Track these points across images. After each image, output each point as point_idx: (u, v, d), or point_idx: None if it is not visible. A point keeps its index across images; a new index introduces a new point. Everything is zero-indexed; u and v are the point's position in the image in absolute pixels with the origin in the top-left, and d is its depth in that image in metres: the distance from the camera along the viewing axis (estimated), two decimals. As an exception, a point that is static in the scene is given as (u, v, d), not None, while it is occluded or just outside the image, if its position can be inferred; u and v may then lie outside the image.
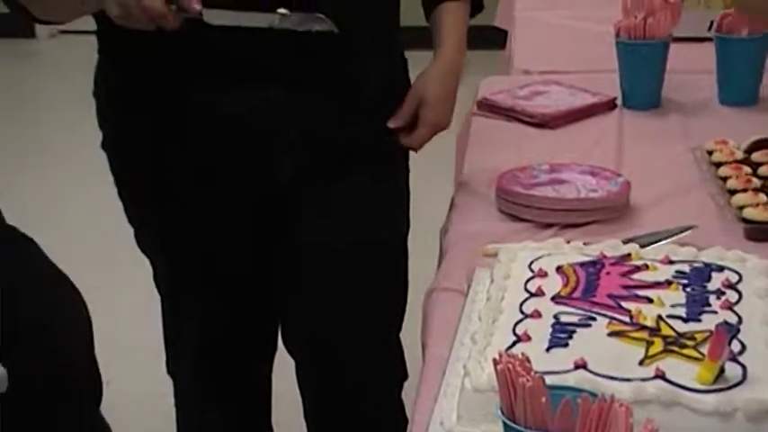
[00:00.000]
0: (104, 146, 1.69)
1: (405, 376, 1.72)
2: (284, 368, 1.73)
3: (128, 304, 2.73)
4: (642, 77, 1.83)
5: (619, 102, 1.84)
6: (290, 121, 1.55)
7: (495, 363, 0.83)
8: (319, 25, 1.43)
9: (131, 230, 1.65)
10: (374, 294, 1.61)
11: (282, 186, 1.56)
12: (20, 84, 4.96)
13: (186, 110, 1.56)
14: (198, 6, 1.38)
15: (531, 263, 1.18)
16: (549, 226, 1.41)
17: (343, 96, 1.55)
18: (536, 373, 0.81)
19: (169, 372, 1.78)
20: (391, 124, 1.55)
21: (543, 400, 0.79)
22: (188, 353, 1.74)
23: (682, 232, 1.36)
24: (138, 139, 1.64)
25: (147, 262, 1.64)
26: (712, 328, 0.99)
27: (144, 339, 2.19)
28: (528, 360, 0.82)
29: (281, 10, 1.41)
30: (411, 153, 1.64)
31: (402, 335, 1.68)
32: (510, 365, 0.81)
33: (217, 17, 1.41)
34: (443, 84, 1.59)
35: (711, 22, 1.85)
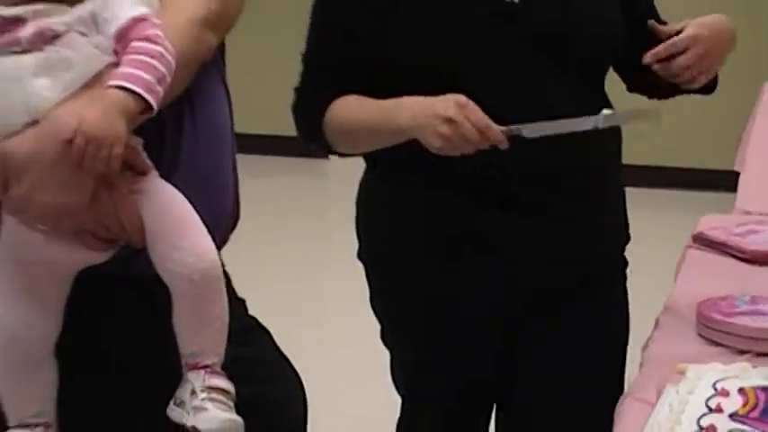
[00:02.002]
0: (360, 256, 1.87)
1: None
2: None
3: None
4: None
5: None
6: (537, 247, 1.69)
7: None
8: (647, 119, 1.51)
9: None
10: (595, 401, 1.65)
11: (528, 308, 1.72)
12: (312, 198, 5.51)
13: (453, 232, 1.69)
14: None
15: (716, 382, 1.26)
16: (743, 353, 1.49)
17: (587, 223, 1.70)
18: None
19: None
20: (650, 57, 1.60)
21: None
22: None
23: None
24: (400, 253, 1.79)
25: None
26: None
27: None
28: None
29: (606, 111, 1.52)
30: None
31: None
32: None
33: (537, 130, 1.50)
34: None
35: None
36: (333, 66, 1.72)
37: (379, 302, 1.87)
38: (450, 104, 1.50)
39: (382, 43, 1.64)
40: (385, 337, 1.88)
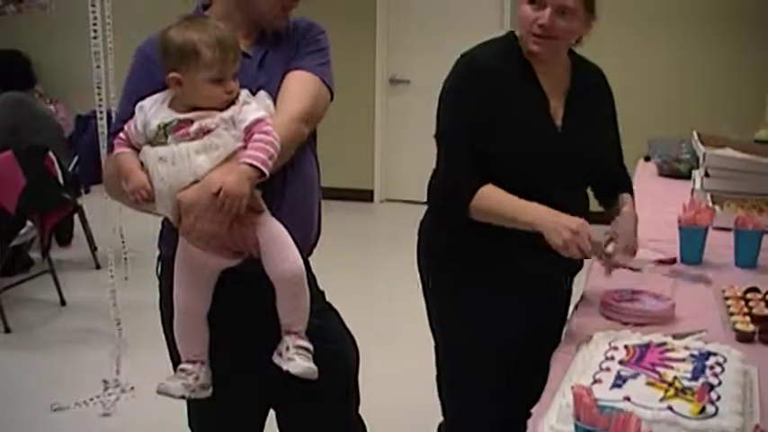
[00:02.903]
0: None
1: None
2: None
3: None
4: (693, 247, 2.59)
5: (678, 259, 2.60)
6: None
7: (574, 390, 1.39)
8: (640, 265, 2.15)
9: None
10: None
11: None
12: (361, 233, 6.92)
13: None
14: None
15: (611, 341, 1.82)
16: (626, 324, 2.05)
17: None
18: (595, 399, 1.34)
19: None
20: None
21: (594, 410, 1.34)
22: None
23: (699, 332, 1.98)
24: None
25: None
26: (700, 384, 1.54)
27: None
28: (590, 390, 1.39)
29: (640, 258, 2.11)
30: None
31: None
32: (580, 392, 1.39)
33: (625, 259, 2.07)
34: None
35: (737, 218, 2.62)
36: (473, 154, 2.13)
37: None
38: (577, 221, 2.01)
39: (495, 139, 2.12)
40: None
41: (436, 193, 2.25)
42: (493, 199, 2.13)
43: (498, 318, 2.25)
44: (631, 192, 2.37)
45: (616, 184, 2.38)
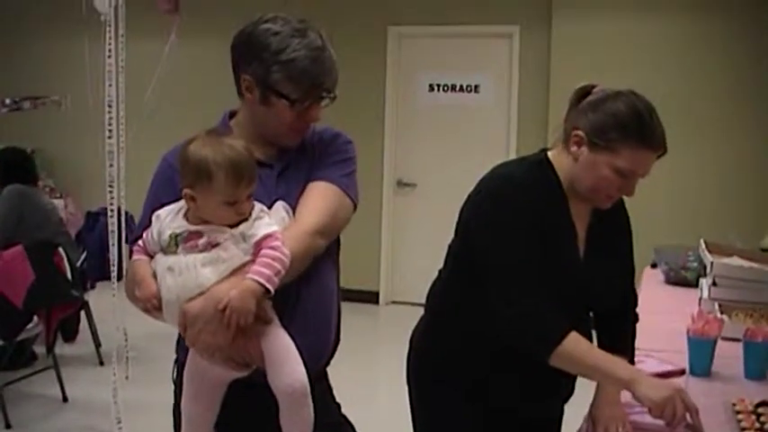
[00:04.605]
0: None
1: None
2: None
3: None
4: (702, 358, 2.58)
5: (687, 370, 2.59)
6: None
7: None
8: None
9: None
10: None
11: None
12: (365, 334, 6.94)
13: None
14: None
15: None
16: None
17: None
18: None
19: None
20: None
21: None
22: None
23: None
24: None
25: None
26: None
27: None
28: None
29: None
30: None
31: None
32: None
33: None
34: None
35: (747, 329, 2.62)
36: (539, 278, 2.04)
37: None
38: (678, 384, 2.02)
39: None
40: None
41: (515, 334, 2.06)
42: (583, 345, 2.03)
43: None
44: (633, 322, 2.40)
45: (620, 321, 2.36)
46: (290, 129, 2.06)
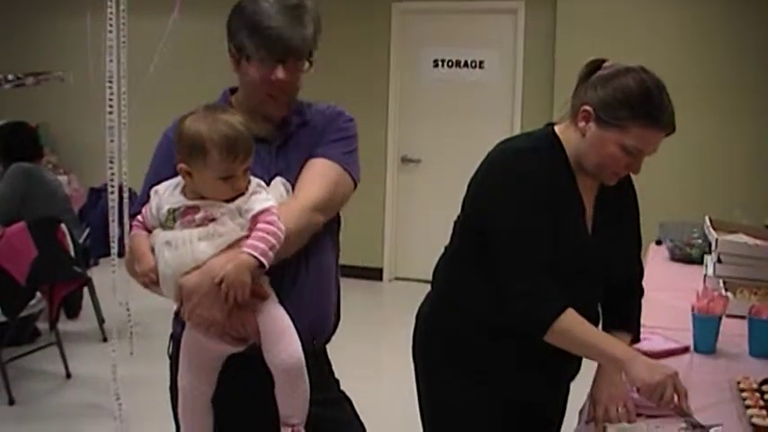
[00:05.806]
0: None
1: None
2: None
3: None
4: (706, 335, 2.59)
5: (691, 348, 2.58)
6: None
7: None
8: None
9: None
10: None
11: None
12: (369, 311, 6.98)
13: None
14: None
15: None
16: (639, 415, 2.05)
17: None
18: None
19: None
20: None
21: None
22: None
23: (715, 426, 1.95)
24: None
25: None
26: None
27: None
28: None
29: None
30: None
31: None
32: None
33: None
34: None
35: (752, 307, 2.61)
36: (546, 262, 2.02)
37: None
38: (673, 369, 1.96)
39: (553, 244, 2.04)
40: None
41: (511, 311, 2.05)
42: (578, 323, 2.02)
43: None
44: (639, 305, 2.36)
45: (627, 294, 2.33)
46: (264, 94, 2.00)
